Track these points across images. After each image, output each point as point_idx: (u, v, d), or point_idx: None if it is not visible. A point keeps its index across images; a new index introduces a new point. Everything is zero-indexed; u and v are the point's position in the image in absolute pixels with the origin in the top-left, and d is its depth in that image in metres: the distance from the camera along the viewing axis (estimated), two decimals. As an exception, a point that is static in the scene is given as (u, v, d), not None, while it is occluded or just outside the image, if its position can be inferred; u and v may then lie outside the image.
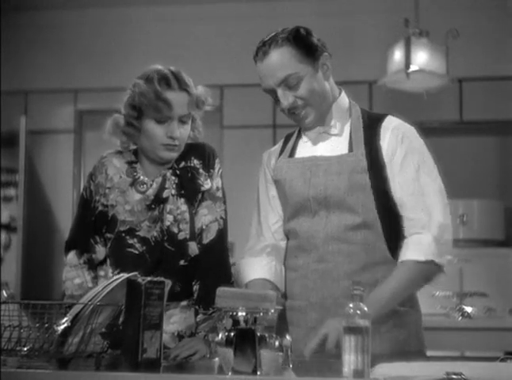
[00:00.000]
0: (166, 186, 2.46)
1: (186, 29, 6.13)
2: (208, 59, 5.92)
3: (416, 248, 2.21)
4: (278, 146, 2.51)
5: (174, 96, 2.40)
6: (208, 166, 2.49)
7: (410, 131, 2.36)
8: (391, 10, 5.54)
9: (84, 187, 2.58)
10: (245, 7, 5.93)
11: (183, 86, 2.42)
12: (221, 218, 2.47)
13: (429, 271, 2.24)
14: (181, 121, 2.43)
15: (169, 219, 2.43)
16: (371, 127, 2.34)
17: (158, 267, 2.38)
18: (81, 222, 2.54)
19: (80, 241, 2.51)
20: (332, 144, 2.36)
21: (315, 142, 2.39)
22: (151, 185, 2.47)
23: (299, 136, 2.45)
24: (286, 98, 2.30)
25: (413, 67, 4.84)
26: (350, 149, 2.32)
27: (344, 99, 2.41)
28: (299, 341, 2.28)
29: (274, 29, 2.37)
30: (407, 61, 4.83)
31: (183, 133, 2.45)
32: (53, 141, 6.29)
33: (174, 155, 2.46)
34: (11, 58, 5.98)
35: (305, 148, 2.41)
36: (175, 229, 2.42)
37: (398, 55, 4.92)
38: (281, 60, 2.28)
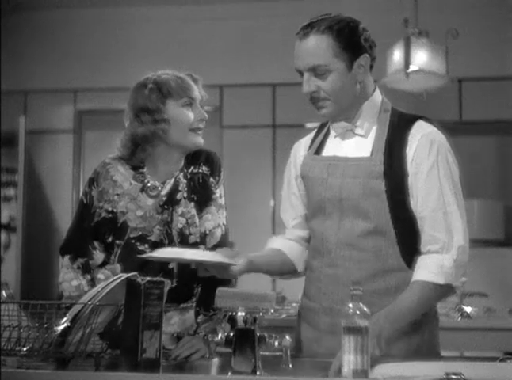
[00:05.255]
0: (180, 189, 2.47)
1: (186, 29, 6.14)
2: (207, 59, 5.92)
3: (438, 270, 2.17)
4: (309, 138, 2.46)
5: (189, 80, 2.48)
6: (215, 173, 2.51)
7: (441, 140, 2.29)
8: (391, 10, 5.55)
9: (84, 192, 2.55)
10: (244, 7, 5.93)
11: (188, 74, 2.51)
12: (223, 224, 2.50)
13: (445, 293, 2.23)
14: (200, 106, 2.50)
15: (181, 222, 2.43)
16: (399, 131, 2.27)
17: (168, 270, 2.38)
18: (78, 226, 2.53)
19: (75, 246, 2.50)
20: (356, 144, 2.31)
21: (341, 140, 2.34)
22: (162, 187, 2.47)
23: (328, 131, 2.40)
24: (309, 85, 2.25)
25: (412, 67, 4.84)
26: (371, 152, 2.26)
27: (377, 98, 2.35)
28: (311, 341, 2.30)
29: (320, 14, 2.36)
30: (407, 61, 4.83)
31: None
32: (53, 141, 6.29)
33: (202, 141, 2.48)
34: (10, 58, 5.98)
35: (331, 145, 2.36)
36: (187, 232, 2.43)
37: (397, 55, 4.92)
38: (316, 48, 2.23)
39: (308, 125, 5.04)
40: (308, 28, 2.27)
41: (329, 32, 2.24)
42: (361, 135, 2.31)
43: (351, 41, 2.25)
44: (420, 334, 2.26)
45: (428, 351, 2.27)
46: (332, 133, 2.37)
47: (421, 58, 4.86)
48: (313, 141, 2.43)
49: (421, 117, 2.34)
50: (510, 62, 5.75)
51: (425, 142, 2.25)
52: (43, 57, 6.24)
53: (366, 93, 2.33)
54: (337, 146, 2.34)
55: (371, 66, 2.34)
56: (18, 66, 6.14)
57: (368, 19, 5.76)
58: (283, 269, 2.46)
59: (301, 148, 2.45)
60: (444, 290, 2.19)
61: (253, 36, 5.88)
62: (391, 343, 2.09)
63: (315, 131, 2.46)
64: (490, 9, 5.76)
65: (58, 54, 6.25)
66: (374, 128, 2.31)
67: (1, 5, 5.52)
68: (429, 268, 2.17)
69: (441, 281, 2.16)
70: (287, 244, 2.45)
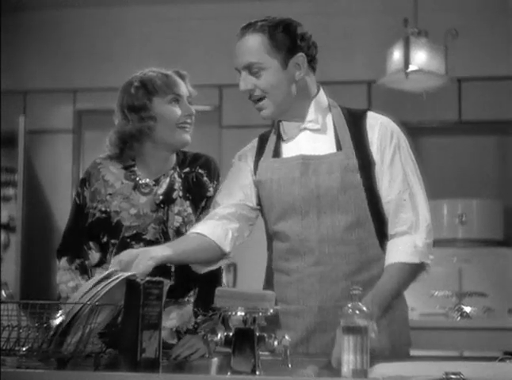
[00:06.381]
0: (175, 187, 2.47)
1: (186, 29, 6.14)
2: (206, 59, 5.92)
3: (412, 251, 2.24)
4: (252, 147, 2.46)
5: (175, 77, 2.48)
6: (212, 178, 2.52)
7: (396, 127, 2.36)
8: (391, 10, 5.55)
9: (77, 193, 2.55)
10: (244, 7, 5.92)
11: (175, 70, 2.51)
12: None
13: (419, 271, 2.28)
14: (188, 102, 2.49)
15: (178, 220, 2.44)
16: (355, 124, 2.33)
17: (165, 268, 2.39)
18: (73, 228, 2.53)
19: (72, 248, 2.51)
20: (318, 142, 2.33)
21: (299, 141, 2.35)
22: (155, 185, 2.47)
23: (279, 135, 2.40)
24: (245, 83, 2.29)
25: (412, 67, 4.85)
26: (338, 147, 2.30)
27: (323, 96, 2.38)
28: (297, 345, 2.27)
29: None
30: (406, 61, 4.83)
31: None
32: (52, 141, 6.29)
33: (189, 138, 2.47)
34: (10, 58, 5.97)
35: (290, 147, 2.37)
36: (183, 230, 2.44)
37: (397, 54, 4.92)
38: (250, 46, 2.28)
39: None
40: (245, 28, 2.32)
41: (262, 31, 2.29)
42: (316, 130, 2.34)
43: (285, 40, 2.28)
44: (398, 325, 2.31)
45: (404, 342, 2.33)
46: (284, 137, 2.38)
47: (420, 58, 4.87)
48: (260, 149, 2.42)
49: (368, 109, 2.40)
50: (509, 62, 5.75)
51: (385, 130, 2.32)
52: (43, 57, 6.24)
53: (309, 92, 2.35)
54: (296, 147, 2.35)
55: (313, 68, 2.36)
56: (18, 65, 6.14)
57: (368, 19, 5.77)
58: (206, 255, 2.32)
59: (248, 156, 2.44)
60: (418, 269, 2.26)
61: (252, 35, 5.88)
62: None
63: (257, 141, 2.47)
64: (490, 10, 5.76)
65: (58, 54, 6.25)
66: (329, 123, 2.35)
67: (2, 5, 5.52)
68: (404, 250, 2.24)
69: (417, 260, 2.24)
70: (209, 225, 2.33)
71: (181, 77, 2.50)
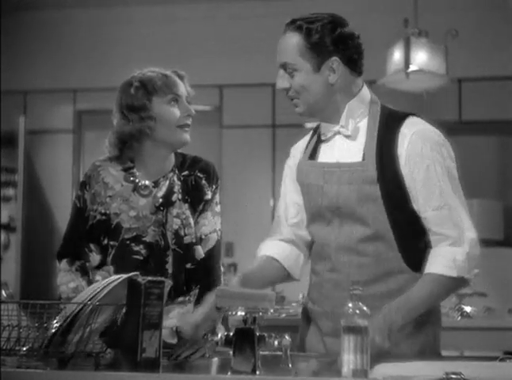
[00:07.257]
0: (175, 190, 2.48)
1: (186, 29, 6.14)
2: (207, 59, 5.92)
3: (451, 264, 2.15)
4: (306, 140, 2.43)
5: (174, 77, 2.48)
6: (211, 181, 2.52)
7: (433, 136, 2.26)
8: (391, 10, 5.55)
9: (77, 196, 2.55)
10: (244, 7, 5.93)
11: (173, 71, 2.51)
12: (219, 229, 2.53)
13: (458, 286, 2.22)
14: (187, 102, 2.49)
15: (176, 223, 2.45)
16: (388, 131, 2.24)
17: (163, 270, 2.40)
18: (74, 230, 2.53)
19: (72, 250, 2.51)
20: (347, 148, 2.27)
21: (334, 144, 2.31)
22: (154, 187, 2.48)
23: (320, 135, 2.36)
24: (281, 81, 2.28)
25: (412, 67, 4.85)
26: (363, 156, 2.23)
27: (363, 96, 2.31)
28: (316, 345, 2.31)
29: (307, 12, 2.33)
30: (407, 61, 4.83)
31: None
32: (52, 141, 6.30)
33: (188, 138, 2.48)
34: (10, 58, 5.98)
35: (325, 149, 2.33)
36: (182, 233, 2.44)
37: (397, 55, 4.92)
38: (286, 46, 2.25)
39: (308, 125, 5.06)
40: (288, 25, 2.28)
41: (299, 31, 2.24)
42: (348, 136, 2.28)
43: (320, 42, 2.22)
44: (424, 334, 2.25)
45: (430, 352, 2.26)
46: (322, 138, 2.34)
47: (421, 58, 4.87)
48: (308, 144, 2.40)
49: (412, 114, 2.30)
50: (509, 62, 5.76)
51: (416, 140, 2.22)
52: (43, 57, 6.24)
53: (347, 95, 2.28)
54: (330, 151, 2.32)
55: (355, 69, 2.28)
56: (18, 66, 6.14)
57: (368, 19, 5.80)
58: (277, 280, 2.44)
59: (298, 152, 2.43)
60: (456, 283, 2.18)
61: (253, 35, 5.88)
62: (397, 340, 2.09)
63: (311, 132, 2.43)
64: (490, 10, 5.76)
65: (57, 54, 6.25)
66: (363, 129, 2.27)
67: (2, 5, 5.52)
68: (442, 261, 2.16)
69: (454, 274, 2.15)
70: (281, 250, 2.38)
71: (180, 77, 2.50)
